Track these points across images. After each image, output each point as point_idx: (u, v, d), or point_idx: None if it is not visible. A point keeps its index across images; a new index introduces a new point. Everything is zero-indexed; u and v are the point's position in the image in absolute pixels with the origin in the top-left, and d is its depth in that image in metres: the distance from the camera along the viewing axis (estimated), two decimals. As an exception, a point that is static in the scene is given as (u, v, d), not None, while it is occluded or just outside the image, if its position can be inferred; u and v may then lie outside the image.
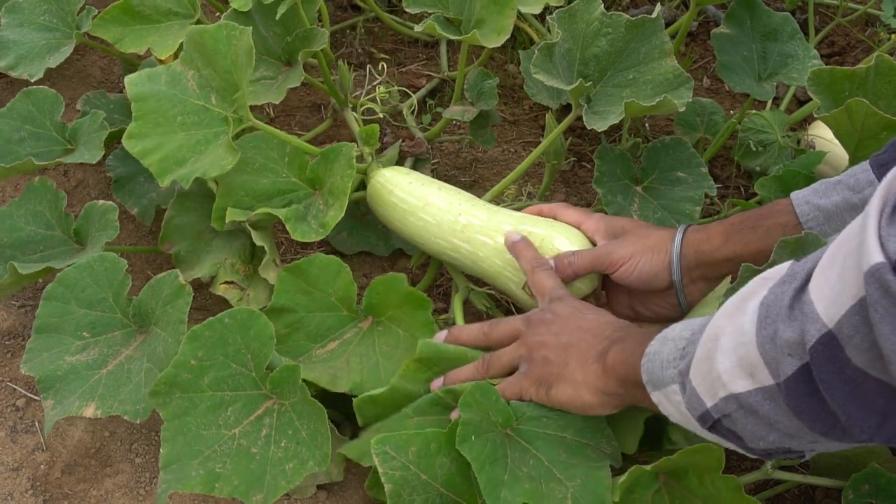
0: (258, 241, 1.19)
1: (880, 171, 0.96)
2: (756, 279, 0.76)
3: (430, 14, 1.32)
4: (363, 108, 1.41)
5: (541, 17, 1.66)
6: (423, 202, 1.22)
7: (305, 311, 1.14)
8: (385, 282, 1.13)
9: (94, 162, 1.29)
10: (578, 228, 1.16)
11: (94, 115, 1.34)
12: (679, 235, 1.07)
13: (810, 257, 0.69)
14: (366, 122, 1.44)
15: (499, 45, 1.26)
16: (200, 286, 1.29)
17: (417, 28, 1.30)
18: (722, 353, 0.73)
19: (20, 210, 1.32)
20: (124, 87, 1.40)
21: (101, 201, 1.27)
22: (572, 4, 1.25)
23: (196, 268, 1.26)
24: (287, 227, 1.17)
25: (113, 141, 1.36)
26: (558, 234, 1.13)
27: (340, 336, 1.13)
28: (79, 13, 1.48)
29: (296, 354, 1.12)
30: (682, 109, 1.17)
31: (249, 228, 1.20)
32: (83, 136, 1.35)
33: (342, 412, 1.13)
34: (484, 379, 1.02)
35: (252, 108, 1.23)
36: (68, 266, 1.20)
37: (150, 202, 1.39)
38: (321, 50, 1.32)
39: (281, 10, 1.31)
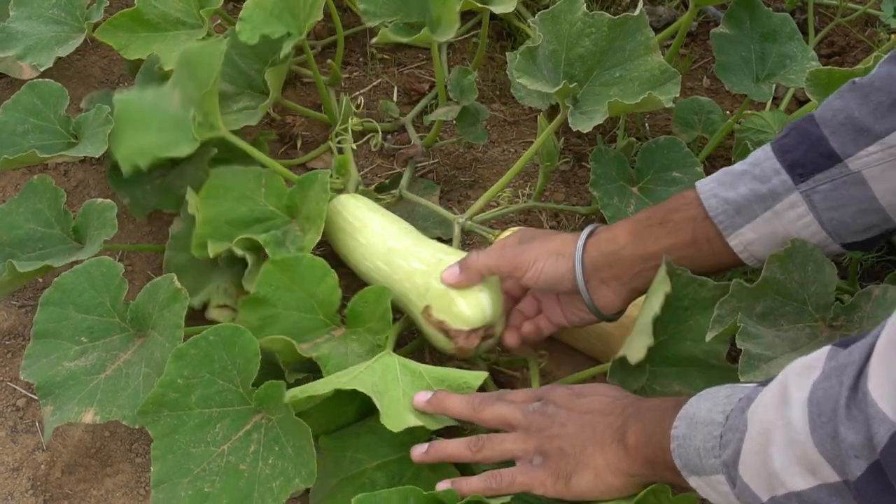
0: (239, 252, 1.21)
1: (784, 159, 0.95)
2: (792, 366, 0.74)
3: (389, 23, 1.34)
4: (339, 139, 1.45)
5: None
6: (361, 224, 1.25)
7: (284, 307, 1.13)
8: (376, 292, 1.13)
9: (97, 156, 1.30)
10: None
11: (100, 109, 1.34)
12: (583, 238, 1.05)
13: (854, 346, 0.67)
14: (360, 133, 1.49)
15: (450, 38, 1.28)
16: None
17: (373, 41, 1.34)
18: (775, 448, 0.71)
19: (19, 208, 1.31)
20: (126, 86, 1.41)
21: (99, 199, 1.27)
22: (554, 6, 1.25)
23: (195, 298, 1.27)
24: (267, 251, 1.20)
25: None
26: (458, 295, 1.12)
27: (312, 340, 1.13)
28: (88, 6, 1.49)
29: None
30: (668, 105, 1.17)
31: (234, 248, 1.22)
32: (87, 130, 1.35)
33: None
34: (473, 459, 0.99)
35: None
36: (65, 264, 1.21)
37: (142, 194, 1.40)
38: (329, 66, 1.35)
39: (284, 51, 1.36)
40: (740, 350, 0.93)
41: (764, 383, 0.78)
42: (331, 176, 1.33)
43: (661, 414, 0.89)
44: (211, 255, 1.23)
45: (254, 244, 1.22)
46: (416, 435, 1.03)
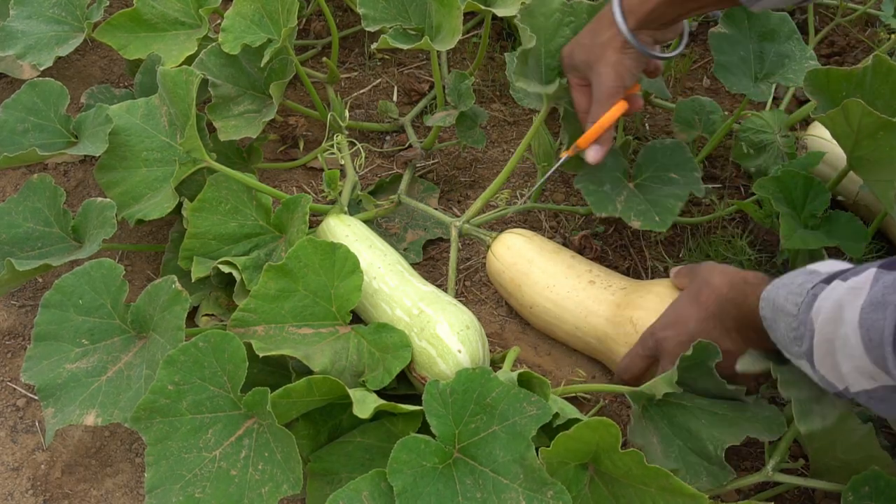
0: (226, 269, 1.23)
1: None
2: (844, 284, 0.83)
3: (389, 28, 1.34)
4: (327, 153, 1.44)
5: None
6: None
7: (304, 286, 1.13)
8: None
9: (97, 154, 1.30)
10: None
11: (100, 108, 1.34)
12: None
13: None
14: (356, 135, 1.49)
15: (452, 46, 1.27)
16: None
17: (373, 46, 1.35)
18: (840, 356, 0.83)
19: (18, 207, 1.32)
20: (126, 85, 1.42)
21: (99, 199, 1.28)
22: (528, 2, 1.24)
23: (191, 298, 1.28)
24: (244, 276, 1.21)
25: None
26: (443, 319, 1.13)
27: (317, 328, 1.13)
28: (88, 6, 1.50)
29: (270, 317, 1.13)
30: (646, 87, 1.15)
31: (219, 266, 1.24)
32: (87, 128, 1.36)
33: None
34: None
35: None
36: (65, 263, 1.21)
37: None
38: (326, 65, 1.34)
39: (265, 58, 1.37)
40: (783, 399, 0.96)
41: (827, 280, 0.87)
42: (323, 190, 1.34)
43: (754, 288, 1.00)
44: (193, 280, 1.24)
45: (232, 267, 1.23)
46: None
